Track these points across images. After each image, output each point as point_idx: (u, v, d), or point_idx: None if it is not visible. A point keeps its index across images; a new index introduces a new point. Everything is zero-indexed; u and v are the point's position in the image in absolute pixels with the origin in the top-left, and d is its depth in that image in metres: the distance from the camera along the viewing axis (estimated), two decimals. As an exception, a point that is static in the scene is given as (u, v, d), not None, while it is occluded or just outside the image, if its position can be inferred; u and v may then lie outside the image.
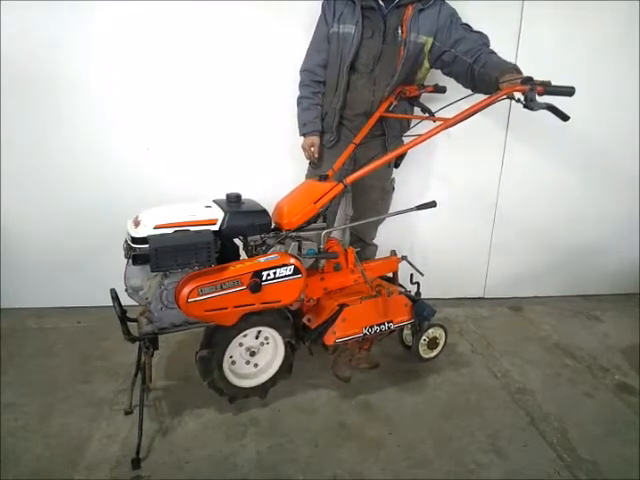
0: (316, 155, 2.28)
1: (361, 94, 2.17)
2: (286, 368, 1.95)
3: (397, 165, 2.35)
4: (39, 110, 2.42)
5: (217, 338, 1.79)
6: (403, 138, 2.32)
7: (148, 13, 2.34)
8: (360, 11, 2.04)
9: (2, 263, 2.66)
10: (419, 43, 2.05)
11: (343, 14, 2.08)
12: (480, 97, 1.80)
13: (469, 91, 1.95)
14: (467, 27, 2.08)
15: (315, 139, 2.26)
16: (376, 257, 2.43)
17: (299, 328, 1.99)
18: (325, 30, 2.14)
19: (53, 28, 2.31)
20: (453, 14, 2.08)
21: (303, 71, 2.26)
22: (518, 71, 1.83)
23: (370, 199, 2.30)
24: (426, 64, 2.13)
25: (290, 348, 1.92)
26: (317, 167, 2.33)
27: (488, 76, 1.90)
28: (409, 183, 2.70)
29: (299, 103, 2.28)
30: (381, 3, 2.05)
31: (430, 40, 2.06)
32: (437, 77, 2.29)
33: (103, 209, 2.56)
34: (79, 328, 2.57)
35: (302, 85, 2.27)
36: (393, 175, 2.40)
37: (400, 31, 2.04)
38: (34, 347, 2.37)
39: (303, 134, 2.27)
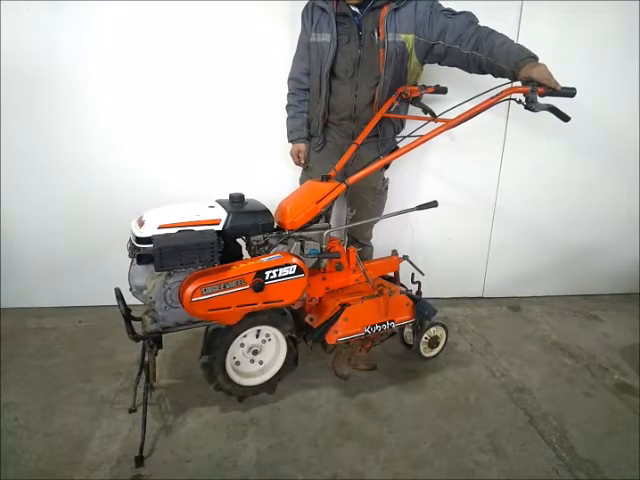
0: (302, 161, 2.34)
1: (343, 99, 2.19)
2: (291, 361, 1.97)
3: (386, 166, 2.37)
4: (39, 111, 2.42)
5: (216, 342, 1.80)
6: (401, 139, 2.33)
7: (149, 14, 2.34)
8: (334, 19, 2.07)
9: (2, 263, 2.66)
10: (399, 42, 2.04)
11: (319, 23, 2.11)
12: (481, 98, 1.81)
13: (471, 92, 1.95)
14: (448, 12, 2.00)
15: (301, 146, 2.32)
16: (377, 257, 2.42)
17: (301, 327, 2.00)
18: (306, 39, 2.18)
19: (53, 29, 2.31)
20: (431, 5, 2.02)
21: (289, 80, 2.33)
22: (534, 58, 1.77)
23: (361, 200, 2.31)
24: (415, 60, 2.11)
25: (292, 342, 1.94)
26: (309, 170, 2.37)
27: (501, 68, 1.84)
28: (409, 183, 2.72)
29: (287, 111, 2.34)
30: (355, 9, 2.06)
31: (410, 37, 2.03)
32: (438, 78, 2.30)
33: (103, 209, 2.57)
34: (80, 327, 2.58)
35: (289, 94, 2.34)
36: (387, 176, 2.40)
37: (377, 33, 2.04)
38: (34, 347, 2.37)
39: (290, 141, 2.35)
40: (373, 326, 1.98)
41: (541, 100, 1.73)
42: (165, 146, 2.55)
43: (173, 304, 1.64)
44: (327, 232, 1.89)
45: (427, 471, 1.69)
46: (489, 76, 1.95)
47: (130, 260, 1.73)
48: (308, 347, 2.02)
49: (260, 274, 1.67)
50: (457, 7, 2.02)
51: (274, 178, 2.56)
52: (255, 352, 1.91)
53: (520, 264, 3.02)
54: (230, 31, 2.41)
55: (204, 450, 1.75)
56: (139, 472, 1.64)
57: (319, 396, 2.06)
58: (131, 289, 1.78)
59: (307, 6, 2.17)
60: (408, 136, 2.09)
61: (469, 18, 1.97)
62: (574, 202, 2.90)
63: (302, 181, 2.41)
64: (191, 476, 1.64)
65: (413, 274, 2.23)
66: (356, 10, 2.06)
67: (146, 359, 1.74)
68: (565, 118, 1.79)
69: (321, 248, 1.88)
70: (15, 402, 1.97)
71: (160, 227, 1.61)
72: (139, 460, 1.66)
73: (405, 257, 2.23)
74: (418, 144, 1.85)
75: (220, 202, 1.82)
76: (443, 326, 2.22)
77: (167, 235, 1.59)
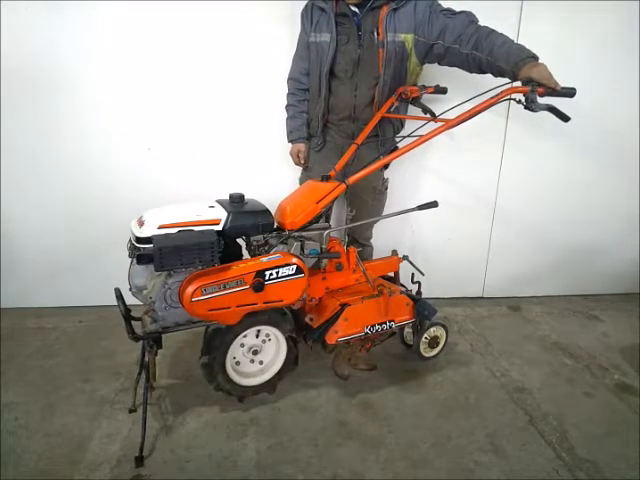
0: (302, 161, 2.34)
1: (343, 99, 2.19)
2: (292, 361, 1.97)
3: (386, 166, 2.37)
4: (39, 111, 2.42)
5: (216, 342, 1.80)
6: (401, 139, 2.33)
7: (149, 14, 2.34)
8: (334, 19, 2.07)
9: (2, 263, 2.66)
10: (398, 42, 2.03)
11: (319, 23, 2.11)
12: (481, 98, 1.81)
13: (471, 92, 1.95)
14: (448, 12, 1.99)
15: (301, 146, 2.32)
16: (377, 257, 2.42)
17: (301, 327, 2.00)
18: (305, 39, 2.18)
19: (53, 28, 2.31)
20: (431, 4, 2.01)
21: (289, 79, 2.33)
22: (534, 58, 1.77)
23: (361, 200, 2.31)
24: (414, 60, 2.11)
25: (292, 342, 1.94)
26: (308, 170, 2.37)
27: (500, 68, 1.84)
28: (409, 183, 2.72)
29: (286, 111, 2.34)
30: (354, 9, 2.06)
31: (410, 37, 2.03)
32: (438, 78, 2.30)
33: (103, 209, 2.57)
34: (80, 328, 2.58)
35: (288, 93, 2.34)
36: (387, 176, 2.40)
37: (376, 33, 2.04)
38: (34, 347, 2.37)
39: (290, 141, 2.35)
40: (373, 326, 1.98)
41: (541, 100, 1.73)
42: (165, 146, 2.55)
43: (173, 304, 1.64)
44: (327, 232, 1.89)
45: (427, 471, 1.69)
46: (489, 76, 1.95)
47: (130, 260, 1.73)
48: (308, 347, 2.02)
49: (260, 274, 1.67)
50: (457, 7, 2.01)
51: (274, 178, 2.56)
52: (255, 352, 1.91)
53: (520, 264, 3.02)
54: (230, 31, 2.41)
55: (204, 450, 1.75)
56: (139, 472, 1.64)
57: (319, 396, 2.06)
58: (131, 289, 1.78)
59: (307, 6, 2.17)
60: (408, 136, 2.09)
61: (469, 18, 1.96)
62: (574, 202, 2.90)
63: (302, 181, 2.41)
64: (191, 476, 1.64)
65: (413, 274, 2.23)
66: (355, 10, 2.06)
67: (146, 359, 1.74)
68: (565, 118, 1.79)
69: (321, 248, 1.88)
70: (15, 402, 1.97)
71: (160, 227, 1.61)
72: (139, 460, 1.66)
73: (405, 257, 2.23)
74: (418, 144, 1.85)
75: (220, 202, 1.82)
76: (443, 326, 2.22)
77: (167, 235, 1.59)
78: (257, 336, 1.90)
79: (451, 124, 1.82)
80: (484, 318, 2.82)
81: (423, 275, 2.23)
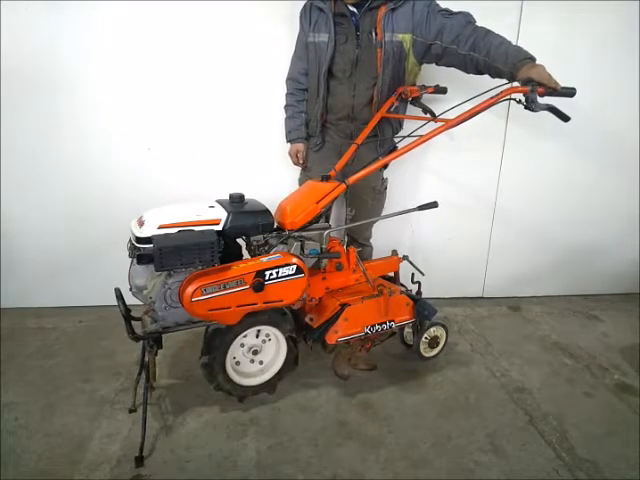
0: (301, 161, 2.35)
1: (341, 99, 2.19)
2: (291, 361, 1.97)
3: (385, 166, 2.37)
4: (39, 111, 2.42)
5: (216, 342, 1.80)
6: (401, 139, 2.33)
7: (149, 14, 2.34)
8: (332, 19, 2.07)
9: (2, 263, 2.66)
10: (396, 42, 2.03)
11: (317, 23, 2.11)
12: (481, 98, 1.81)
13: (471, 92, 1.95)
14: (446, 12, 1.99)
15: (300, 146, 2.32)
16: (377, 257, 2.42)
17: (301, 327, 2.00)
18: (304, 39, 2.19)
19: (53, 28, 2.31)
20: (429, 4, 2.01)
21: (287, 80, 2.33)
22: (532, 59, 1.78)
23: (361, 200, 2.31)
24: (412, 60, 2.11)
25: (292, 342, 1.94)
26: (307, 171, 2.37)
27: (498, 69, 1.84)
28: (409, 183, 2.72)
29: (285, 111, 2.34)
30: (352, 9, 2.06)
31: (408, 37, 2.03)
32: (438, 78, 2.29)
33: (103, 209, 2.57)
34: (80, 328, 2.58)
35: (287, 93, 2.34)
36: (386, 175, 2.40)
37: (374, 33, 2.04)
38: (34, 347, 2.37)
39: (288, 141, 2.35)
40: (373, 326, 1.98)
41: (541, 100, 1.73)
42: (165, 146, 2.55)
43: (173, 304, 1.64)
44: (327, 232, 1.90)
45: (427, 471, 1.69)
46: (488, 76, 1.95)
47: (130, 260, 1.73)
48: (308, 347, 2.02)
49: (260, 274, 1.67)
50: (456, 7, 2.01)
51: (274, 178, 2.56)
52: (255, 352, 1.91)
53: (520, 264, 3.02)
54: (230, 31, 2.41)
55: (204, 450, 1.75)
56: (139, 472, 1.64)
57: (319, 396, 2.06)
58: (131, 289, 1.78)
59: (305, 6, 2.17)
60: (408, 136, 2.09)
61: (466, 18, 1.96)
62: (574, 202, 2.90)
63: (301, 181, 2.41)
64: (191, 476, 1.64)
65: (413, 274, 2.23)
66: (354, 10, 2.06)
67: (146, 359, 1.74)
68: (565, 118, 1.79)
69: (321, 248, 1.88)
70: (15, 402, 1.97)
71: (160, 227, 1.61)
72: (139, 460, 1.66)
73: (405, 257, 2.23)
74: (418, 144, 1.85)
75: (220, 202, 1.82)
76: (443, 326, 2.22)
77: (167, 235, 1.59)
78: (257, 336, 1.90)
79: (451, 124, 1.82)
80: (484, 318, 2.82)
81: (423, 275, 2.23)
